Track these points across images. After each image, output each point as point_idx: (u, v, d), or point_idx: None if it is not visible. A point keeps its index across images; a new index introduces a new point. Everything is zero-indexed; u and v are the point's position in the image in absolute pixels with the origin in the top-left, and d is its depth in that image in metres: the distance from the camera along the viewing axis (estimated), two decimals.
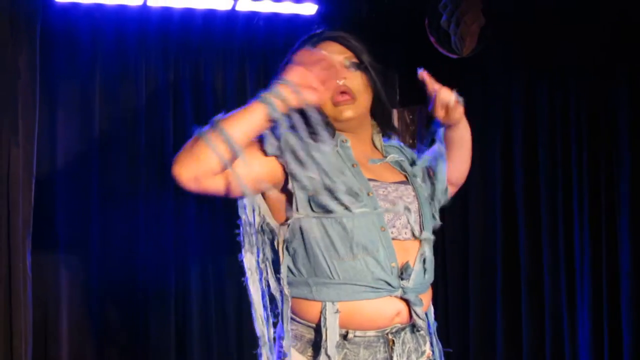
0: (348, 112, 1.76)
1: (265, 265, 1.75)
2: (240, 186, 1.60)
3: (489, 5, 3.07)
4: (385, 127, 1.90)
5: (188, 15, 3.06)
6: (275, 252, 1.74)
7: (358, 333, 1.67)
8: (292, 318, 1.70)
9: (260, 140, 1.65)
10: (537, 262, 3.05)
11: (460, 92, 1.91)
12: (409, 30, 3.37)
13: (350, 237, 1.65)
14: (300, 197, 1.67)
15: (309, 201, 1.66)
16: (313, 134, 1.67)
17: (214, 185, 1.58)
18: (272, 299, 1.75)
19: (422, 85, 1.88)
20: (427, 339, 1.81)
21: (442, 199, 1.93)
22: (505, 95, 3.18)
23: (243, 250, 1.76)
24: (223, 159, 1.54)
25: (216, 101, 3.16)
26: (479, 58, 3.13)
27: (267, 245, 1.75)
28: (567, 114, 2.92)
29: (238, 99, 3.18)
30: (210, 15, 3.10)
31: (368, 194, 1.70)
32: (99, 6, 2.93)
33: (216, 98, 3.17)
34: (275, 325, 1.75)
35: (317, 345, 1.66)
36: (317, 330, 1.66)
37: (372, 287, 1.65)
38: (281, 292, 1.72)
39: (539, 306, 3.05)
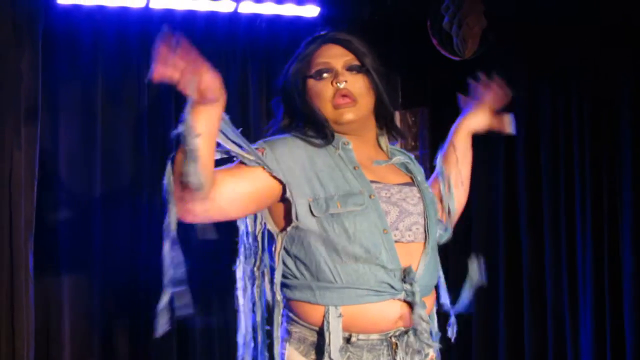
0: (349, 115, 1.74)
1: (263, 272, 1.75)
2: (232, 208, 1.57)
3: (490, 8, 3.07)
4: (388, 129, 1.89)
5: (190, 17, 3.06)
6: (273, 258, 1.73)
7: (361, 336, 1.66)
8: (295, 320, 1.70)
9: (245, 154, 1.60)
10: (540, 264, 3.05)
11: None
12: (411, 33, 3.38)
13: (352, 240, 1.64)
14: (299, 203, 1.65)
15: (309, 206, 1.65)
16: (309, 137, 1.66)
17: (210, 213, 1.53)
18: (267, 305, 1.76)
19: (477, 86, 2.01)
20: (431, 341, 1.80)
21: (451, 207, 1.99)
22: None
23: (237, 261, 1.75)
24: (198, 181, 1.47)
25: None
26: (481, 60, 3.13)
27: (265, 252, 1.75)
28: (569, 116, 2.92)
29: (240, 101, 3.18)
30: (212, 18, 3.10)
31: (370, 196, 1.68)
32: (101, 8, 2.93)
33: None
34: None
35: (320, 348, 1.65)
36: (321, 333, 1.66)
37: (375, 291, 1.65)
38: (273, 296, 1.72)
39: (542, 307, 3.05)
